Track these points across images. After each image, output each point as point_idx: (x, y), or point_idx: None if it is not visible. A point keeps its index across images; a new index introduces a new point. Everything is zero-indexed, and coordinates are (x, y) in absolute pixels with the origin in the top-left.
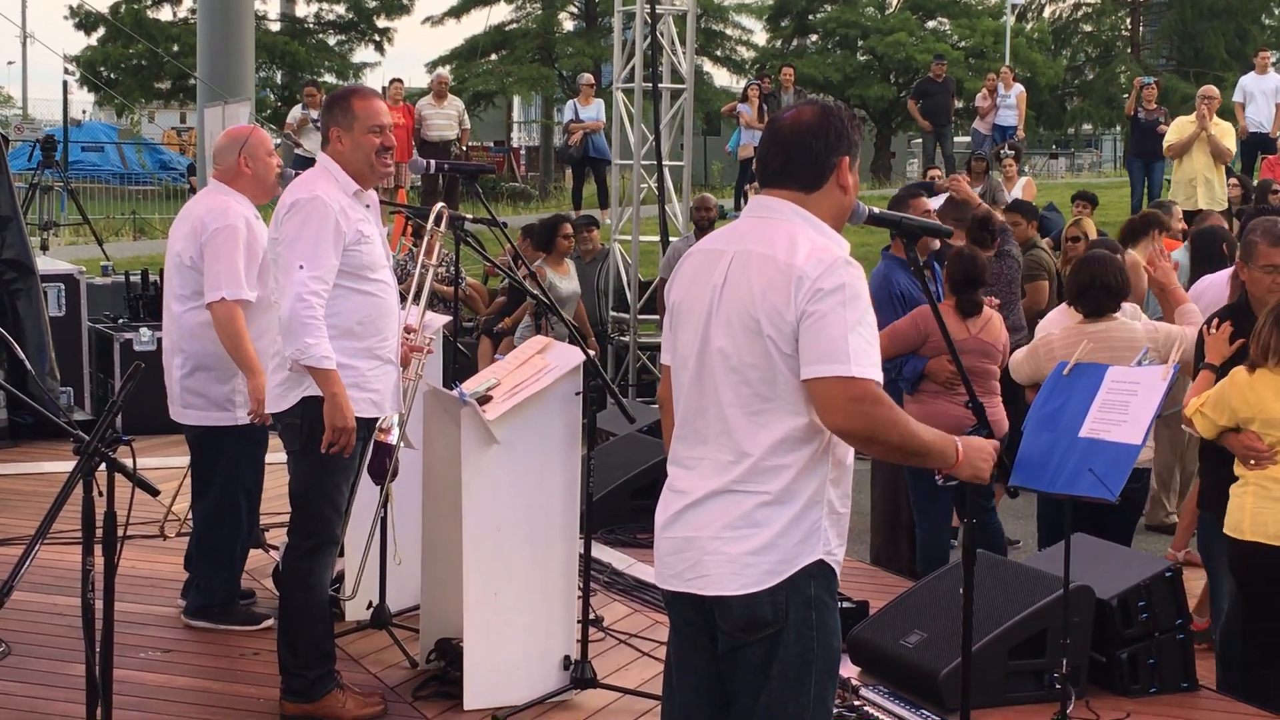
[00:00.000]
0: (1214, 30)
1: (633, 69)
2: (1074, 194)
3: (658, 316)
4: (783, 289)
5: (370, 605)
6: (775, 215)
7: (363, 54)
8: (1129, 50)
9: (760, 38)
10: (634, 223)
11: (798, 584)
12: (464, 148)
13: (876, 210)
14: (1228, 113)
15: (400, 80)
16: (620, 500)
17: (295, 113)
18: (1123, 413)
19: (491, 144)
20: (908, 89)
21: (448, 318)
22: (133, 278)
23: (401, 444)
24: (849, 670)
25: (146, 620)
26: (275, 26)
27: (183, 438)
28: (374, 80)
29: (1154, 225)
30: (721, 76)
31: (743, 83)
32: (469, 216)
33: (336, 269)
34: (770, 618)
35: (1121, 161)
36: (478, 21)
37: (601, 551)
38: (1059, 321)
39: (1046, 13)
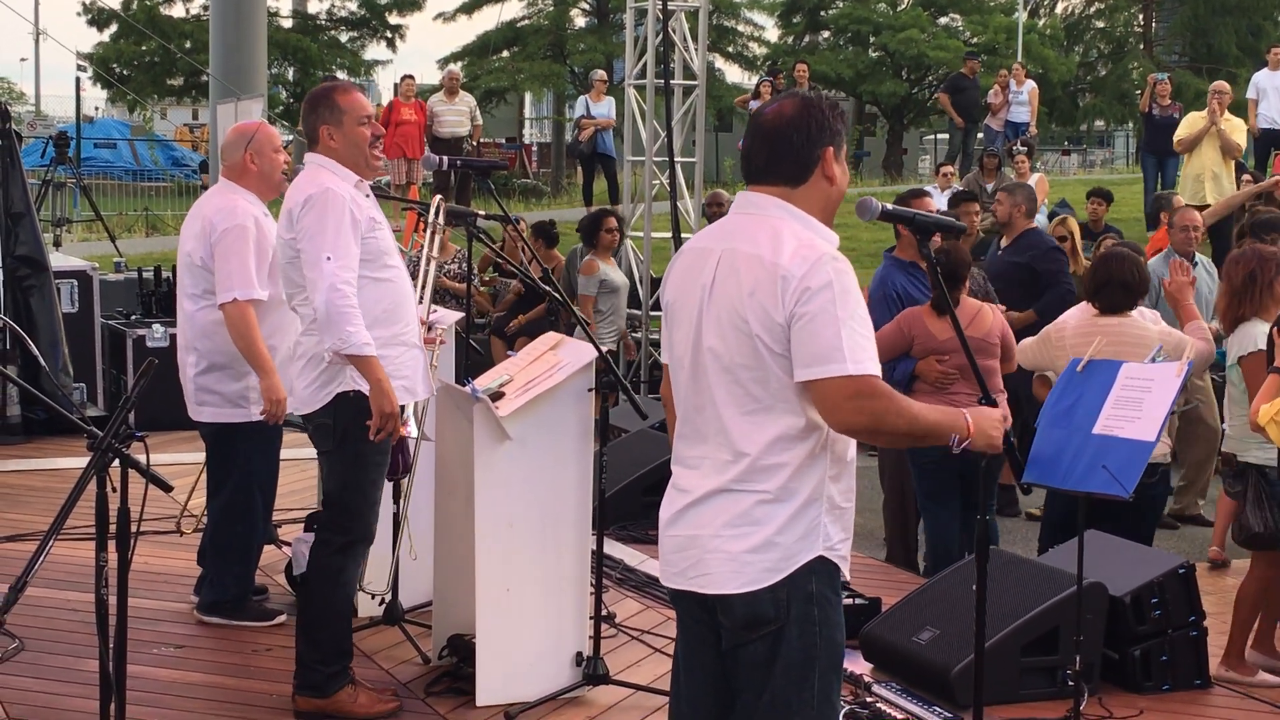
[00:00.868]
0: (1227, 26)
1: (645, 65)
2: (1089, 190)
3: None
4: (769, 289)
5: (383, 601)
6: (761, 212)
7: (374, 51)
8: (1141, 46)
9: (772, 34)
10: (646, 219)
11: (799, 580)
12: (476, 144)
13: (889, 206)
14: (1241, 109)
15: (412, 77)
16: (632, 496)
17: None
18: (1136, 409)
19: (503, 140)
20: (919, 85)
21: (460, 314)
22: (145, 274)
23: (419, 438)
24: (861, 667)
25: (160, 616)
26: (287, 23)
27: (196, 434)
28: (385, 77)
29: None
30: (733, 73)
31: (754, 79)
32: (481, 213)
33: (359, 258)
34: (772, 615)
35: (1134, 158)
36: (489, 18)
37: (613, 547)
38: (1077, 317)
39: (1059, 9)
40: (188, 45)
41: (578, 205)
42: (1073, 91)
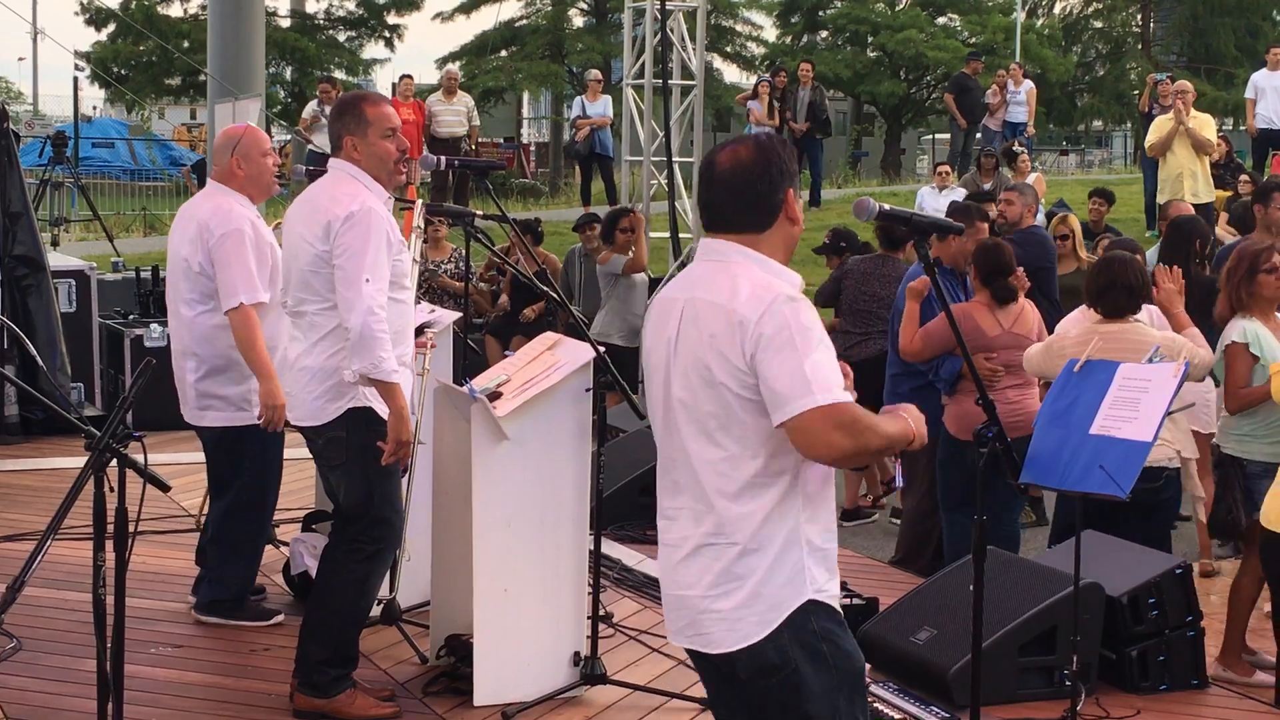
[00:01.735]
0: (1225, 26)
1: (643, 65)
2: (1091, 190)
3: None
4: (727, 335)
5: (380, 601)
6: (723, 258)
7: (373, 50)
8: (1140, 47)
9: (770, 34)
10: (644, 219)
11: (797, 623)
12: (474, 144)
13: (887, 207)
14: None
15: (410, 76)
16: (630, 496)
17: (310, 109)
18: (1133, 410)
19: (501, 140)
20: (917, 85)
21: (457, 314)
22: (143, 274)
23: (415, 441)
24: None
25: (158, 615)
26: (285, 23)
27: (193, 434)
28: (384, 76)
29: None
30: (731, 73)
31: (752, 79)
32: (478, 213)
33: (388, 280)
34: (778, 661)
35: (1132, 158)
36: (487, 18)
37: (611, 547)
38: (1079, 321)
39: (1057, 9)
40: (186, 45)
41: (575, 205)
42: (1071, 91)
